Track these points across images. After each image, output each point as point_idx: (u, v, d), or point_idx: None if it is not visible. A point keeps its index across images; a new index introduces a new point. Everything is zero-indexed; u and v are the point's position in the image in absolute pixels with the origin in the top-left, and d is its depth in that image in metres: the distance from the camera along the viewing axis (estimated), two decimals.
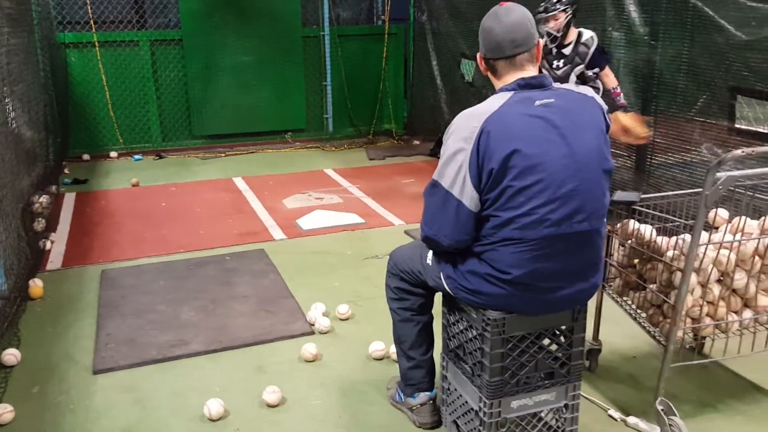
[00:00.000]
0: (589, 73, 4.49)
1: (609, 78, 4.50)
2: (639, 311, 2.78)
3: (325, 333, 3.54)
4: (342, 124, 9.01)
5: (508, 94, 2.13)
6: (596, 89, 4.46)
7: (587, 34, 4.48)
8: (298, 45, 8.46)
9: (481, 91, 7.14)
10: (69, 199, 6.16)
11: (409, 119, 9.39)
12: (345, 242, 5.00)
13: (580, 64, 4.49)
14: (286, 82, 8.48)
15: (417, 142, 8.68)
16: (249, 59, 8.20)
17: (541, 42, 2.26)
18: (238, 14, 7.71)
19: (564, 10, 4.43)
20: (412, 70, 9.14)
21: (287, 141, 8.65)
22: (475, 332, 2.28)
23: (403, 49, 9.18)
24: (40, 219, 5.18)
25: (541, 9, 4.45)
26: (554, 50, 4.54)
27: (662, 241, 2.68)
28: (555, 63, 4.58)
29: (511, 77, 2.17)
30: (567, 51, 4.52)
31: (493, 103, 2.11)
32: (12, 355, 3.24)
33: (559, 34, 4.48)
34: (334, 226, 5.35)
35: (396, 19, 8.96)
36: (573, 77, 4.54)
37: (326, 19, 8.55)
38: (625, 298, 2.88)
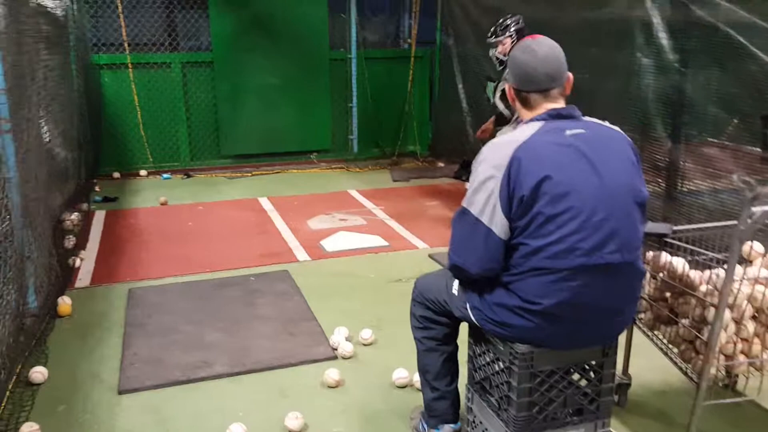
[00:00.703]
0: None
1: None
2: (670, 346, 2.73)
3: (348, 358, 3.53)
4: (367, 145, 9.05)
5: (538, 124, 2.14)
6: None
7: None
8: (325, 67, 8.53)
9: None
10: (99, 217, 6.24)
11: (433, 141, 9.40)
12: (368, 265, 5.00)
13: (499, 83, 4.89)
14: (313, 104, 8.55)
15: (441, 164, 8.69)
16: (277, 81, 8.29)
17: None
18: (267, 37, 7.81)
19: (509, 36, 4.86)
20: (437, 93, 9.16)
21: (312, 161, 8.70)
22: (502, 365, 2.25)
23: (429, 72, 9.22)
24: (70, 236, 5.25)
25: (490, 34, 4.90)
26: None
27: (695, 274, 2.63)
28: (501, 85, 4.92)
29: (542, 109, 2.19)
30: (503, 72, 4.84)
31: (524, 132, 2.12)
32: (39, 372, 3.27)
33: (505, 59, 4.80)
34: (357, 249, 5.35)
35: (422, 42, 9.01)
36: (493, 101, 4.98)
37: (353, 42, 8.63)
38: (656, 332, 2.83)
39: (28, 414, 3.00)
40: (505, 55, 4.80)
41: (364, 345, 3.67)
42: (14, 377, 3.25)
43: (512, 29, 4.88)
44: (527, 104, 2.22)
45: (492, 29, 4.88)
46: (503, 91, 4.80)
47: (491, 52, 5.03)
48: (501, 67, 4.83)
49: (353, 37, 8.61)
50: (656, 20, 4.68)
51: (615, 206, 2.07)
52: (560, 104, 2.20)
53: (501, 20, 5.03)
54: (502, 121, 5.16)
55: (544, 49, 2.17)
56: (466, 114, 8.24)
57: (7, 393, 3.11)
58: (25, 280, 3.65)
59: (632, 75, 4.98)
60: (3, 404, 3.02)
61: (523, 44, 2.22)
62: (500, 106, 5.12)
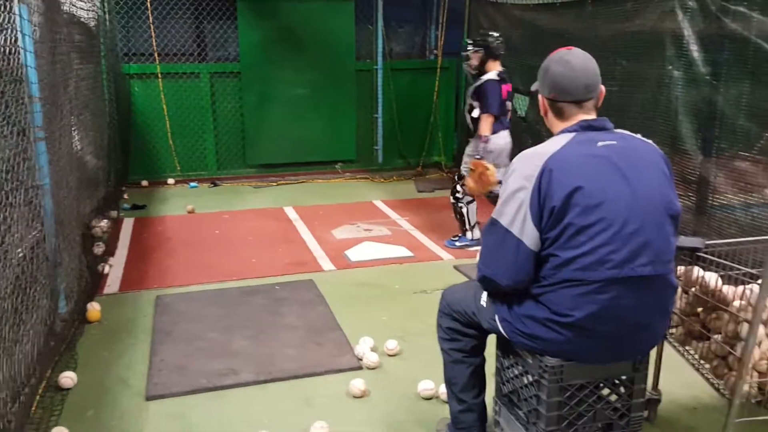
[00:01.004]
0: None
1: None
2: (702, 362, 2.70)
3: (373, 368, 3.52)
4: (391, 156, 9.06)
5: (570, 135, 2.14)
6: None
7: (488, 76, 5.12)
8: (352, 78, 8.58)
9: (533, 126, 7.09)
10: (128, 224, 6.32)
11: (458, 152, 9.37)
12: (393, 275, 5.00)
13: (473, 101, 5.18)
14: (338, 114, 8.59)
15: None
16: (303, 91, 8.35)
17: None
18: (294, 48, 7.88)
19: (476, 51, 5.13)
20: (463, 104, 9.15)
21: (337, 171, 8.73)
22: (530, 378, 2.23)
23: (455, 83, 9.22)
24: (99, 243, 5.32)
25: (468, 44, 5.19)
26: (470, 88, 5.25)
27: (728, 290, 2.59)
28: (467, 97, 5.33)
29: (575, 120, 2.18)
30: (473, 87, 5.21)
31: (555, 144, 2.12)
32: (69, 378, 3.31)
33: (474, 72, 5.17)
34: (382, 259, 5.35)
35: (449, 53, 9.02)
36: (468, 116, 5.22)
37: (380, 53, 8.67)
38: (687, 348, 2.79)
39: (57, 418, 3.04)
40: (474, 69, 5.17)
41: (389, 356, 3.66)
42: (44, 382, 3.30)
43: (479, 43, 5.19)
44: (561, 115, 2.21)
45: (470, 41, 5.22)
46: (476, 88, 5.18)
47: (464, 65, 5.33)
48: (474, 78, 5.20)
49: (380, 48, 8.65)
50: (687, 32, 4.64)
51: (647, 218, 2.05)
52: (593, 116, 2.20)
53: (482, 35, 5.36)
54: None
55: (579, 60, 2.18)
56: None
57: (38, 397, 3.15)
58: (56, 285, 3.70)
59: (662, 87, 4.93)
60: (33, 408, 3.07)
61: (557, 55, 2.21)
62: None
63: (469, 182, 4.78)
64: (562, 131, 2.19)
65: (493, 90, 5.08)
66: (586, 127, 2.16)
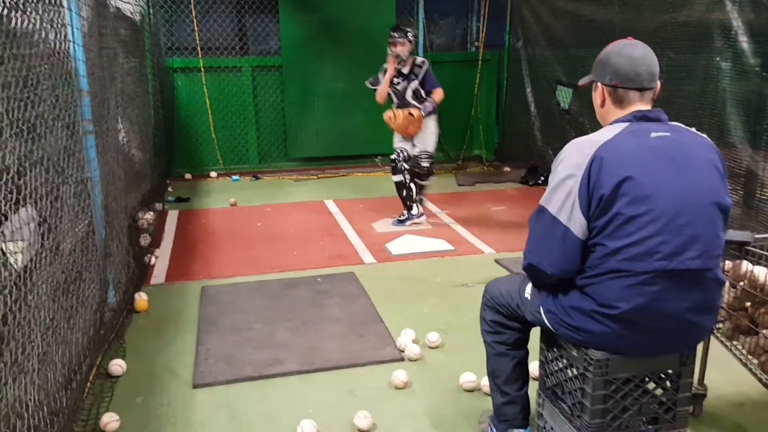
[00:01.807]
0: (422, 90, 5.95)
1: (438, 95, 5.97)
2: (750, 357, 2.65)
3: (415, 360, 3.54)
4: None
5: (623, 125, 2.13)
6: (423, 100, 5.97)
7: (420, 59, 6.04)
8: None
9: (577, 119, 7.02)
10: (172, 217, 6.45)
11: (499, 146, 9.33)
12: (434, 269, 5.00)
13: (414, 80, 5.93)
14: (378, 108, 8.50)
15: (507, 169, 8.61)
16: (343, 85, 8.40)
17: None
18: (335, 42, 7.94)
19: (410, 41, 5.86)
20: (505, 97, 9.09)
21: (377, 165, 8.76)
22: (575, 371, 2.22)
23: (497, 76, 9.16)
24: (145, 234, 5.44)
25: (396, 35, 5.83)
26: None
27: None
28: (395, 80, 5.95)
29: (630, 109, 2.16)
30: (405, 71, 5.92)
31: (607, 133, 2.11)
32: (118, 365, 3.40)
33: (405, 58, 5.86)
34: (423, 252, 5.36)
35: (490, 45, 8.97)
36: (409, 91, 5.94)
37: (421, 45, 8.65)
38: (734, 343, 2.74)
39: (108, 405, 3.13)
40: (405, 55, 5.85)
41: (431, 348, 3.67)
42: (95, 369, 3.39)
43: (413, 34, 5.93)
44: (621, 102, 2.18)
45: (395, 33, 5.86)
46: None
47: (391, 49, 5.88)
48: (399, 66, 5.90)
49: (421, 41, 8.63)
50: (736, 23, 4.54)
51: (697, 212, 2.03)
52: (649, 107, 2.18)
53: (402, 26, 6.05)
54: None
55: (642, 50, 2.17)
56: (534, 118, 8.16)
57: (88, 384, 3.25)
58: (105, 276, 3.80)
59: (710, 79, 4.84)
60: (85, 395, 3.16)
61: (619, 46, 2.20)
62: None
63: (404, 119, 5.90)
64: (615, 121, 2.17)
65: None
66: (641, 117, 2.14)
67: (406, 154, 6.07)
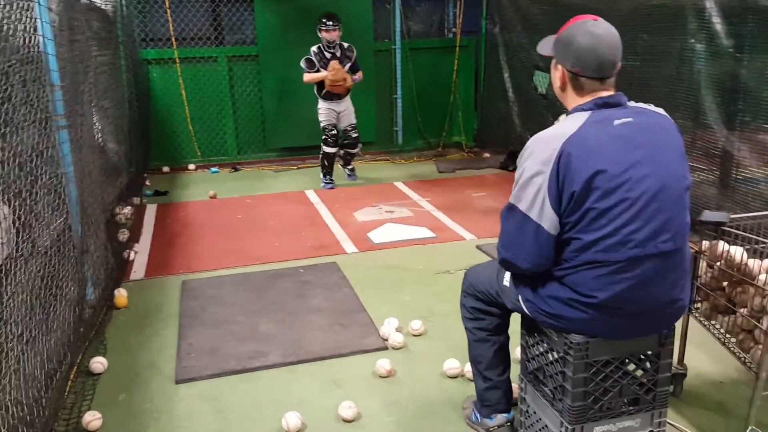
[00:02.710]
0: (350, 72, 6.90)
1: (360, 75, 7.07)
2: (728, 336, 2.68)
3: (399, 349, 3.55)
4: (411, 137, 9.04)
5: (585, 115, 2.09)
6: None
7: (347, 44, 6.97)
8: (370, 59, 8.53)
9: (554, 103, 7.03)
10: (151, 211, 6.39)
11: (479, 132, 9.34)
12: (416, 256, 5.01)
13: (348, 62, 6.89)
14: (357, 96, 8.52)
15: (487, 155, 8.63)
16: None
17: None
18: (312, 29, 7.80)
19: (340, 28, 6.75)
20: (483, 83, 9.09)
21: (358, 154, 8.73)
22: (556, 355, 2.24)
23: (474, 62, 9.14)
24: (123, 229, 5.39)
25: (330, 23, 6.71)
26: (327, 54, 6.80)
27: (753, 263, 2.57)
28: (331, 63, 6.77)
29: (591, 96, 2.13)
30: (338, 54, 6.85)
31: (570, 125, 2.07)
32: (99, 363, 3.37)
33: (335, 43, 6.77)
34: (405, 240, 5.36)
35: (467, 31, 8.95)
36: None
37: (398, 33, 8.62)
38: (713, 322, 2.78)
39: (90, 403, 3.10)
40: (336, 40, 6.78)
41: (414, 336, 3.68)
42: (75, 367, 3.36)
43: (340, 22, 6.78)
44: (581, 90, 2.14)
45: (327, 20, 6.73)
46: None
47: (323, 35, 6.77)
48: (330, 50, 6.82)
49: (397, 28, 8.60)
50: (709, 4, 4.56)
51: (667, 195, 2.04)
52: (611, 92, 2.14)
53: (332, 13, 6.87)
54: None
55: (607, 34, 2.09)
56: (512, 103, 8.17)
57: (70, 383, 3.22)
58: (83, 273, 3.76)
59: (685, 61, 4.87)
60: (66, 393, 3.14)
61: (584, 27, 2.10)
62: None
63: (343, 75, 6.79)
64: (576, 109, 2.14)
65: None
66: (602, 104, 2.10)
67: (335, 129, 7.07)
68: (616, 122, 2.06)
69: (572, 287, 2.10)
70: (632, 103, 2.18)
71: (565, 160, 2.00)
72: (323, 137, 7.05)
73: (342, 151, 7.32)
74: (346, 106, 7.09)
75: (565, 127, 2.07)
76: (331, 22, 6.71)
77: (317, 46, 6.85)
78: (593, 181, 1.98)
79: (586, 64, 2.10)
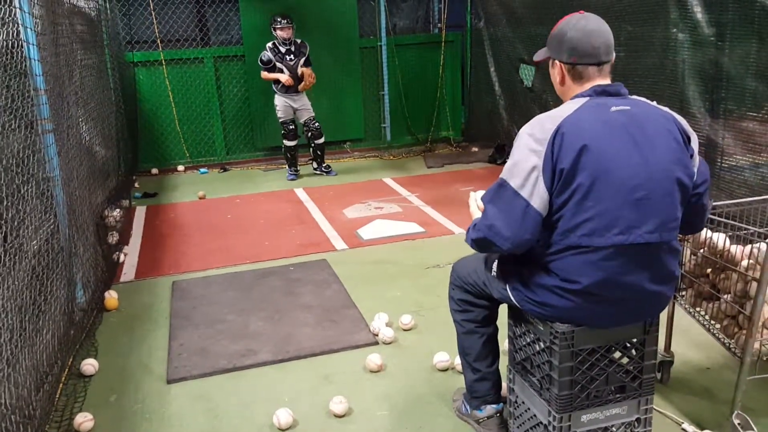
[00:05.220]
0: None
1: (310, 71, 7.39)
2: (713, 322, 2.71)
3: (389, 343, 3.57)
4: (399, 133, 9.06)
5: (583, 100, 2.13)
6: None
7: (299, 41, 7.36)
8: (356, 56, 8.56)
9: (540, 96, 7.07)
10: (140, 212, 6.39)
11: (467, 126, 9.37)
12: (406, 252, 5.03)
13: (303, 57, 7.29)
14: (344, 93, 8.59)
15: (475, 149, 8.66)
16: None
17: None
18: (297, 28, 7.84)
19: (293, 25, 7.22)
20: (469, 77, 9.12)
21: (346, 151, 8.75)
22: (542, 345, 2.26)
23: (460, 56, 9.17)
24: (113, 232, 5.38)
25: (284, 21, 7.13)
26: (282, 49, 7.22)
27: (736, 249, 2.60)
28: (288, 57, 7.24)
29: (590, 84, 2.16)
30: (293, 49, 7.26)
31: (568, 108, 2.11)
32: (90, 365, 3.38)
33: (290, 39, 7.22)
34: (394, 236, 5.38)
35: (452, 26, 8.97)
36: (299, 67, 7.24)
37: (383, 29, 8.63)
38: (697, 309, 2.81)
39: (81, 405, 3.11)
40: (287, 39, 7.21)
41: (405, 330, 3.70)
42: (66, 369, 3.36)
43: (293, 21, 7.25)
44: (580, 78, 2.17)
45: (282, 18, 7.14)
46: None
47: (279, 33, 7.19)
48: (287, 46, 7.24)
49: (383, 24, 8.61)
50: None
51: (654, 186, 2.04)
52: (608, 80, 2.18)
53: (285, 13, 7.30)
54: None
55: (596, 22, 2.16)
56: (499, 97, 8.19)
57: (61, 385, 3.22)
58: (72, 275, 3.76)
59: (668, 51, 4.90)
60: (58, 396, 3.14)
61: (572, 21, 2.17)
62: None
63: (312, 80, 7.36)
64: (576, 96, 2.17)
65: None
66: (601, 92, 2.13)
67: (293, 124, 7.47)
68: (613, 109, 2.09)
69: (558, 273, 2.11)
70: (635, 97, 2.20)
71: (560, 139, 2.02)
72: (282, 132, 7.46)
73: (310, 149, 7.67)
74: (303, 101, 7.43)
75: (563, 110, 2.11)
76: (285, 21, 7.17)
77: (272, 42, 7.26)
78: (580, 161, 2.00)
79: (582, 52, 2.14)
